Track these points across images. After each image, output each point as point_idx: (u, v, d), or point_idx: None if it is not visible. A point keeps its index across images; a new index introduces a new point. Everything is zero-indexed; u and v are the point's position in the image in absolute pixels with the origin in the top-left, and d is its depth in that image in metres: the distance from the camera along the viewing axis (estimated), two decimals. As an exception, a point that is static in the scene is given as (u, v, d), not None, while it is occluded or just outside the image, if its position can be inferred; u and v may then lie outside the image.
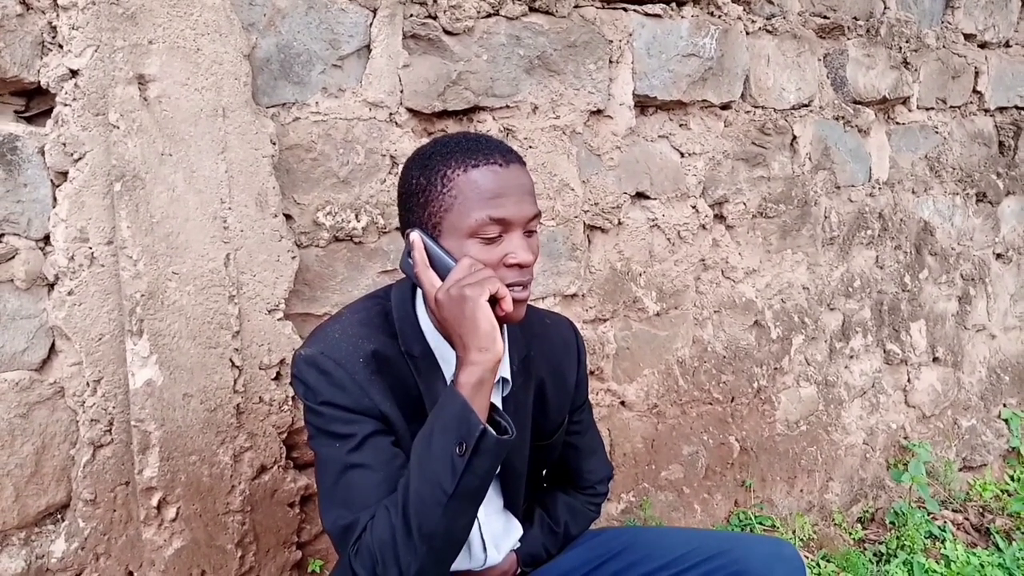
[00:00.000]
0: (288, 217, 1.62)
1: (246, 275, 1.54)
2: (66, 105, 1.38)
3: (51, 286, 1.42)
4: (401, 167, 1.24)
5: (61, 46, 1.38)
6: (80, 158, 1.39)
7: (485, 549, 1.33)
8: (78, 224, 1.40)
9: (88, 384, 1.44)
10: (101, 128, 1.39)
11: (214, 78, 1.47)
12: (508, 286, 1.13)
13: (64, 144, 1.38)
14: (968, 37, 2.82)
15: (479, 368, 1.09)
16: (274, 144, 1.56)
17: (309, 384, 1.16)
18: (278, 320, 1.59)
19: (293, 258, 1.60)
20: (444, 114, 1.80)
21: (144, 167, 1.40)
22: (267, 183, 1.55)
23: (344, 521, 1.11)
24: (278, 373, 1.61)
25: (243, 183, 1.52)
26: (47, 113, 1.41)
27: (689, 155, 2.18)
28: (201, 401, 1.49)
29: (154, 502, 1.46)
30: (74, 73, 1.37)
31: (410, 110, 1.75)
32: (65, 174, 1.40)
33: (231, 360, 1.52)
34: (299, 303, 1.67)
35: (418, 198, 1.17)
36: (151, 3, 1.39)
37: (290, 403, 1.62)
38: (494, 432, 1.08)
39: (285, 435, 1.63)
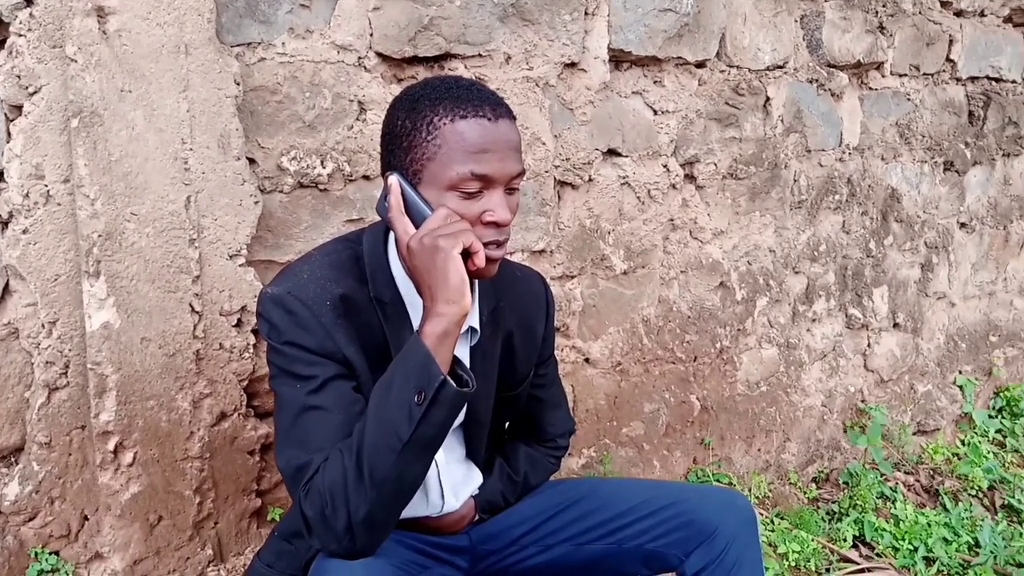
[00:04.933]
0: (251, 161, 1.59)
1: (207, 219, 1.51)
2: (20, 36, 1.32)
3: (5, 224, 1.38)
4: (388, 105, 1.21)
5: (14, -28, 1.32)
6: (35, 92, 1.34)
7: (443, 496, 1.34)
8: (33, 160, 1.35)
9: (43, 326, 1.41)
10: (58, 61, 1.34)
11: (176, 13, 1.42)
12: (484, 244, 1.12)
13: (19, 76, 1.33)
14: (944, 4, 2.81)
15: (445, 320, 1.08)
16: (238, 84, 1.52)
17: (274, 323, 1.15)
18: (240, 266, 1.57)
19: (256, 203, 1.58)
20: (414, 60, 1.76)
21: (103, 103, 1.36)
22: (230, 124, 1.51)
23: (298, 461, 1.10)
24: (239, 320, 1.59)
25: (205, 124, 1.48)
26: (0, 44, 1.36)
27: (662, 113, 2.17)
28: (160, 346, 1.47)
29: (111, 446, 1.44)
30: (29, 2, 1.32)
31: (379, 55, 1.71)
32: (20, 108, 1.35)
33: (191, 305, 1.50)
34: (262, 249, 1.64)
35: (401, 141, 1.15)
36: (109, -69, 1.34)
37: (251, 351, 1.61)
38: (454, 384, 1.07)
39: (246, 383, 1.62)
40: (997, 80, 3.07)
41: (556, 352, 1.74)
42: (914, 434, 3.05)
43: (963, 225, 3.11)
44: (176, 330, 1.48)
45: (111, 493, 1.46)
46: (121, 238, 1.40)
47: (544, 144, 1.96)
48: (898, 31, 2.65)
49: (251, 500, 1.65)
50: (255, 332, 1.61)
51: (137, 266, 1.42)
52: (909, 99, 2.78)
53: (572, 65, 1.98)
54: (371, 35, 1.69)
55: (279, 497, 1.72)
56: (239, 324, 1.58)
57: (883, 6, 2.57)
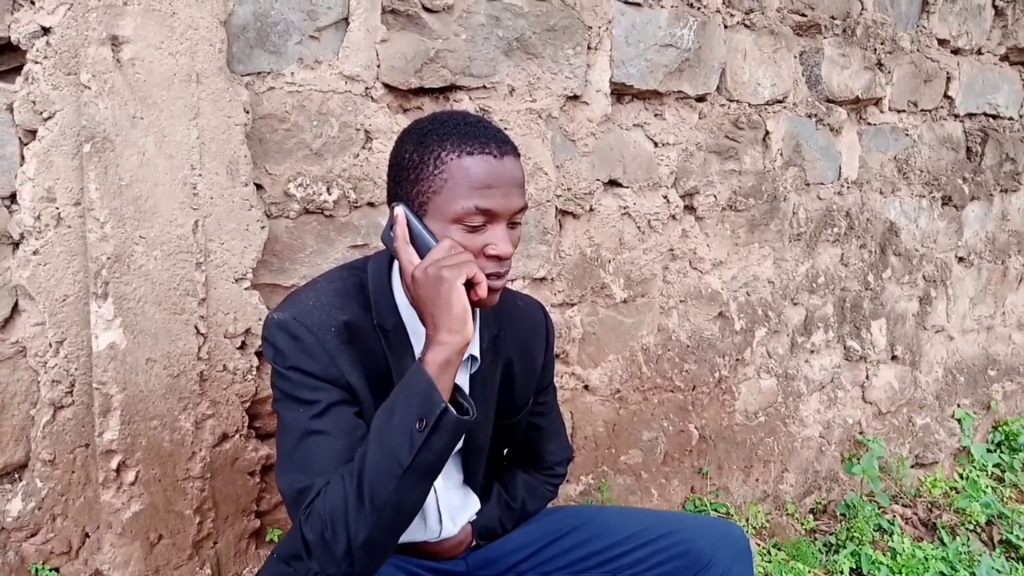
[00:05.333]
0: (259, 187, 1.62)
1: (214, 243, 1.54)
2: (37, 63, 1.36)
3: (16, 245, 1.41)
4: (396, 137, 1.24)
5: (33, 2, 1.36)
6: (50, 117, 1.38)
7: (441, 522, 1.36)
8: (45, 184, 1.39)
9: (51, 345, 1.43)
10: (72, 88, 1.38)
11: (189, 43, 1.46)
12: (486, 275, 1.14)
13: (34, 102, 1.37)
14: (942, 42, 2.87)
15: (447, 349, 1.10)
16: (247, 112, 1.55)
17: (279, 348, 1.17)
18: (245, 289, 1.59)
19: (262, 228, 1.60)
20: (420, 91, 1.80)
21: (115, 129, 1.39)
22: (239, 151, 1.55)
23: (299, 485, 1.12)
24: (243, 342, 1.61)
25: (214, 150, 1.51)
26: (17, 70, 1.39)
27: (663, 145, 2.21)
28: (164, 367, 1.49)
29: (113, 465, 1.46)
30: (46, 31, 1.36)
31: (386, 85, 1.75)
32: (34, 132, 1.39)
33: (196, 327, 1.52)
34: (267, 273, 1.67)
35: (408, 173, 1.18)
36: (127, -37, 1.38)
37: (254, 373, 1.63)
38: (455, 412, 1.09)
39: (248, 404, 1.64)
40: (994, 117, 3.11)
41: (556, 379, 1.76)
42: (912, 467, 3.05)
43: (961, 259, 3.14)
44: (181, 351, 1.50)
45: (113, 511, 1.47)
46: (129, 260, 1.43)
47: (546, 174, 2.00)
48: (896, 68, 2.70)
49: (250, 521, 1.67)
50: (258, 354, 1.63)
51: (144, 288, 1.45)
52: (907, 135, 2.83)
53: (575, 98, 2.02)
54: (378, 66, 1.73)
55: (278, 518, 1.73)
56: (243, 346, 1.61)
57: (881, 43, 2.62)
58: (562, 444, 1.59)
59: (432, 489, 1.30)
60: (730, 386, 2.50)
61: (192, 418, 1.53)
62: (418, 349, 1.24)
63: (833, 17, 2.49)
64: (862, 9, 2.58)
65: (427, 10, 1.76)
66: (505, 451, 1.53)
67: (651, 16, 2.09)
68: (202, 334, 1.53)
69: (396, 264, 1.25)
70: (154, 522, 1.51)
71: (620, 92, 2.11)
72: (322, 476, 1.12)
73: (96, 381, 1.43)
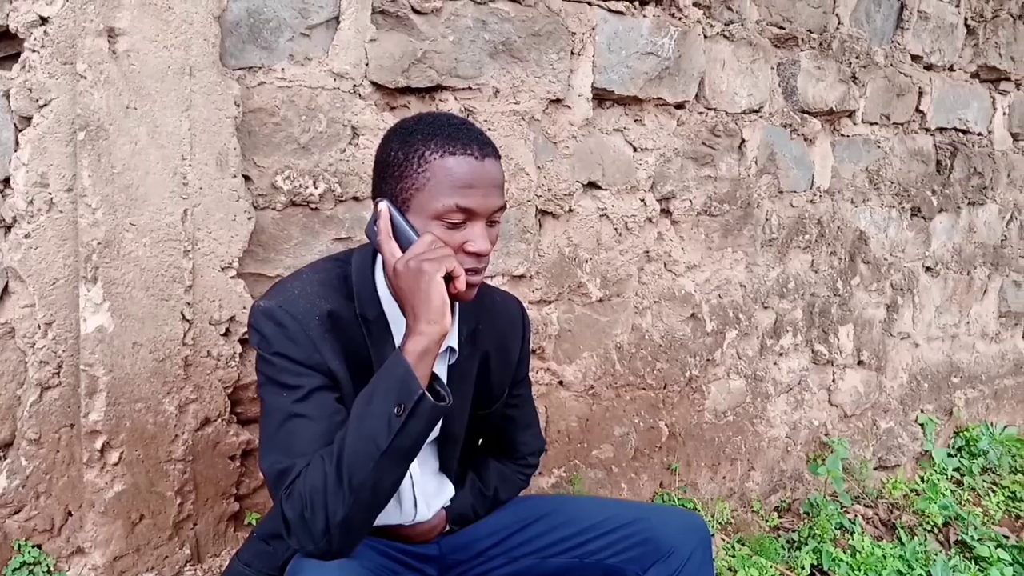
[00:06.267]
0: (247, 179, 1.66)
1: (202, 232, 1.58)
2: (34, 51, 1.40)
3: (8, 228, 1.45)
4: (383, 135, 1.29)
5: (32, -8, 1.40)
6: (45, 104, 1.41)
7: (416, 506, 1.41)
8: (39, 169, 1.42)
9: (40, 327, 1.47)
10: (68, 77, 1.42)
11: (183, 37, 1.50)
12: (465, 270, 1.20)
13: (30, 90, 1.40)
14: (915, 58, 2.96)
15: (426, 338, 1.16)
16: (238, 106, 1.60)
17: (265, 334, 1.22)
18: (231, 278, 1.64)
19: (249, 219, 1.65)
20: (407, 90, 1.85)
21: (109, 118, 1.43)
22: (228, 143, 1.59)
23: (281, 465, 1.17)
24: (227, 330, 1.65)
25: (205, 142, 1.56)
26: (14, 58, 1.43)
27: (641, 150, 2.27)
28: (150, 351, 1.53)
29: (98, 445, 1.50)
30: (44, 20, 1.40)
31: (374, 83, 1.80)
32: (29, 119, 1.42)
33: (182, 313, 1.56)
34: (252, 263, 1.71)
35: (393, 170, 1.23)
36: (125, -42, 1.42)
37: (237, 359, 1.67)
38: (432, 398, 1.15)
39: (231, 390, 1.68)
40: (964, 132, 3.21)
41: (531, 374, 1.82)
42: (875, 469, 3.14)
43: (928, 269, 3.24)
44: (167, 336, 1.55)
45: (96, 491, 1.51)
46: (119, 246, 1.47)
47: (528, 175, 2.05)
48: (870, 82, 2.78)
49: (230, 504, 1.71)
50: (242, 342, 1.67)
51: (133, 274, 1.49)
52: (879, 146, 2.91)
53: (557, 101, 2.08)
54: (367, 65, 1.78)
55: (257, 502, 1.78)
56: (227, 333, 1.65)
57: (856, 58, 2.71)
58: (535, 435, 1.65)
59: (408, 475, 1.36)
60: (700, 385, 2.57)
61: (176, 402, 1.58)
62: (398, 339, 1.29)
63: (810, 31, 2.57)
64: (838, 24, 2.66)
65: (416, 12, 1.81)
66: (480, 441, 1.59)
67: (633, 24, 2.16)
68: (188, 320, 1.57)
69: (379, 257, 1.30)
70: (136, 502, 1.56)
71: (601, 97, 2.18)
72: (303, 458, 1.18)
73: (83, 363, 1.47)
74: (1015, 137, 3.41)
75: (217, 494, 1.69)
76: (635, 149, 2.26)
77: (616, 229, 2.27)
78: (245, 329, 1.64)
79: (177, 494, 1.60)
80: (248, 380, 1.70)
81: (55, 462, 1.53)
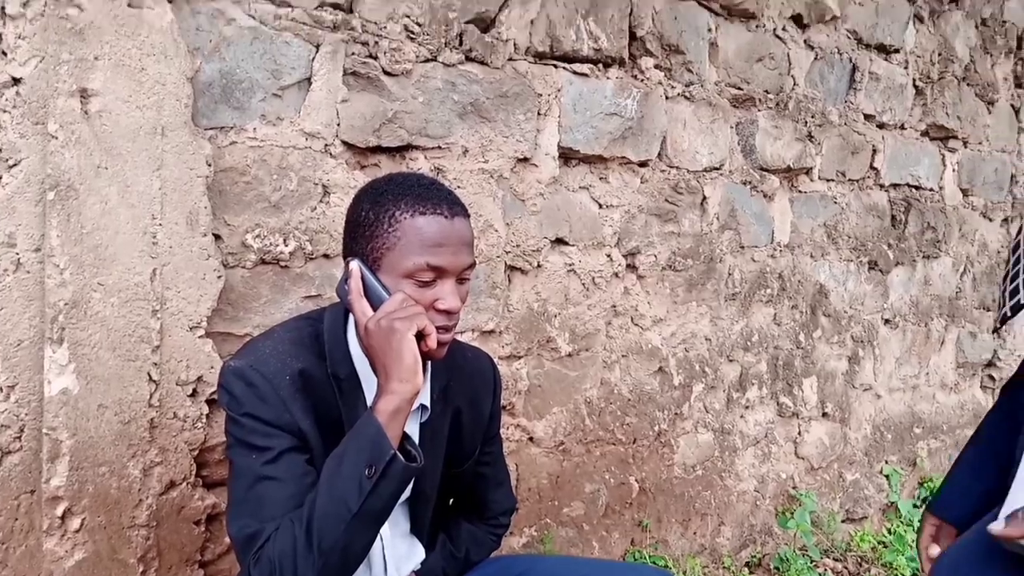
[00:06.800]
0: (217, 237, 1.66)
1: (171, 291, 1.57)
2: (5, 112, 1.40)
3: (-30, 288, 1.42)
4: (353, 195, 1.31)
5: (5, 53, 1.40)
6: (15, 164, 1.41)
7: (387, 570, 1.39)
8: (7, 229, 1.41)
9: (1, 389, 1.43)
10: (39, 137, 1.42)
11: (156, 97, 1.52)
12: (435, 328, 1.21)
13: (0, 150, 1.40)
14: (868, 117, 3.08)
15: (397, 397, 1.16)
16: (209, 165, 1.60)
17: (235, 394, 1.21)
18: (199, 337, 1.62)
19: (219, 277, 1.64)
20: (378, 149, 1.88)
21: (79, 178, 1.43)
22: (199, 202, 1.59)
23: (250, 530, 1.15)
24: (194, 390, 1.63)
25: (176, 201, 1.56)
26: (-17, 117, 1.43)
27: (607, 207, 2.32)
28: (116, 413, 1.50)
29: (59, 512, 1.45)
30: (16, 81, 1.40)
31: (345, 143, 1.82)
32: (-3, 179, 1.42)
33: (149, 374, 1.54)
34: (221, 322, 1.70)
35: (364, 230, 1.24)
36: (100, 21, 1.44)
37: (204, 421, 1.65)
38: (403, 459, 1.15)
39: (197, 452, 1.65)
40: (917, 188, 3.33)
41: (502, 430, 1.81)
42: (843, 521, 3.16)
43: (887, 321, 3.32)
44: (133, 398, 1.52)
45: (55, 559, 1.46)
46: (87, 307, 1.45)
47: (497, 231, 2.08)
48: (825, 140, 2.89)
49: (194, 571, 1.66)
50: (209, 402, 1.65)
51: (100, 334, 1.47)
52: (836, 202, 3.01)
53: (525, 160, 2.12)
54: (338, 125, 1.80)
55: (222, 568, 1.73)
56: (194, 394, 1.63)
57: (812, 117, 2.81)
58: (506, 494, 1.64)
59: (379, 537, 1.34)
60: (669, 440, 2.58)
61: (141, 465, 1.54)
62: (370, 398, 1.29)
63: (767, 91, 2.67)
64: (794, 85, 2.77)
65: (387, 74, 1.84)
66: (451, 501, 1.57)
67: (597, 86, 2.23)
68: (154, 381, 1.55)
69: (351, 316, 1.31)
70: (97, 571, 1.50)
71: (567, 156, 2.23)
72: (272, 521, 1.16)
73: (46, 426, 1.43)
74: (965, 192, 3.55)
75: (181, 560, 1.64)
76: (601, 206, 2.31)
77: (583, 284, 2.30)
78: (213, 389, 1.62)
79: (140, 561, 1.55)
80: (215, 442, 1.67)
81: (12, 531, 1.48)
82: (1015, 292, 1.20)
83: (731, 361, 2.73)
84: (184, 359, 1.60)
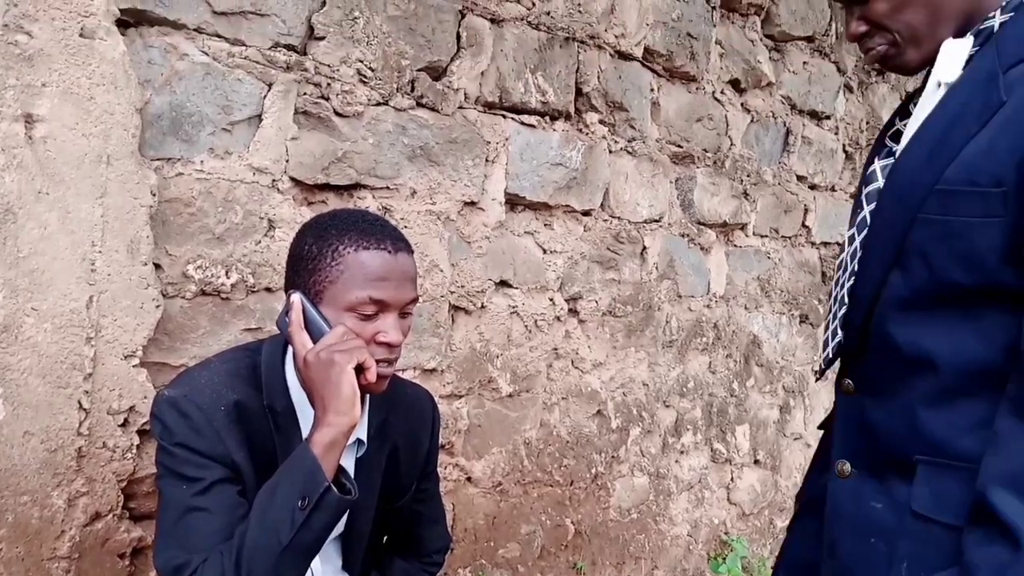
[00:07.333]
0: (158, 267, 1.66)
1: (107, 319, 1.55)
2: (-54, 133, 1.39)
3: None
4: (297, 229, 1.32)
5: (-50, 76, 1.40)
6: (-48, 186, 1.39)
7: (317, 605, 1.38)
8: (-61, 250, 1.39)
9: (-79, 413, 1.40)
10: (-21, 160, 1.41)
11: (103, 126, 1.52)
12: (376, 361, 1.22)
13: (-62, 170, 1.39)
14: (800, 178, 3.23)
15: (334, 430, 1.16)
16: (154, 195, 1.61)
17: (167, 424, 1.20)
18: (133, 366, 1.60)
19: (157, 307, 1.63)
20: (326, 187, 1.91)
21: (19, 202, 1.42)
22: (141, 231, 1.59)
23: (177, 561, 1.14)
24: (125, 420, 1.61)
25: (117, 229, 1.55)
26: (-77, 138, 1.41)
27: (551, 252, 2.38)
28: (42, 440, 1.47)
29: (-26, 542, 1.41)
30: (-41, 103, 1.39)
31: (293, 179, 1.85)
32: (-68, 199, 1.40)
33: (79, 402, 1.52)
34: (157, 352, 1.68)
35: (307, 264, 1.26)
36: (51, 49, 1.44)
37: (134, 451, 1.62)
38: (337, 492, 1.15)
39: (125, 484, 1.61)
40: (845, 246, 3.48)
41: (439, 469, 1.82)
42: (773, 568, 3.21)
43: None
44: (61, 426, 1.49)
45: (-33, 592, 1.41)
46: (18, 331, 1.43)
47: (442, 271, 2.12)
48: (760, 198, 3.02)
49: (114, 607, 1.62)
50: (140, 433, 1.62)
51: (30, 360, 1.45)
52: (769, 257, 3.13)
53: (471, 204, 2.17)
54: (287, 161, 1.83)
55: (144, 605, 1.69)
56: (125, 424, 1.60)
57: (748, 176, 2.94)
58: (441, 532, 1.64)
59: (310, 572, 1.33)
60: (606, 482, 2.61)
61: (65, 495, 1.50)
62: (306, 432, 1.29)
63: (705, 150, 2.79)
64: (731, 145, 2.89)
65: (338, 115, 1.88)
66: (384, 538, 1.57)
67: (544, 137, 2.30)
68: (85, 409, 1.52)
69: (290, 348, 1.31)
70: (11, 604, 1.46)
71: (513, 202, 2.29)
72: (200, 553, 1.15)
73: (-33, 453, 1.40)
74: (890, 253, 3.72)
75: (102, 596, 1.59)
76: (545, 251, 2.37)
77: (526, 326, 2.34)
78: (145, 420, 1.60)
79: (58, 596, 1.51)
80: (144, 473, 1.64)
81: (-77, 561, 1.42)
82: (826, 344, 1.21)
83: (667, 407, 2.79)
84: (117, 388, 1.58)
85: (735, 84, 2.87)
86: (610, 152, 2.48)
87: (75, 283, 1.50)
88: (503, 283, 2.29)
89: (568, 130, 2.36)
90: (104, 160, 1.52)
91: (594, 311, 2.51)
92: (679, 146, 2.70)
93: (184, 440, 1.20)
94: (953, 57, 1.04)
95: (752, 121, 2.96)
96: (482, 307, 2.24)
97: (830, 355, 1.20)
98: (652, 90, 2.59)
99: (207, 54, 1.69)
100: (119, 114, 1.54)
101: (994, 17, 1.04)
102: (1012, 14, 1.02)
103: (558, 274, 2.40)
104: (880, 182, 1.12)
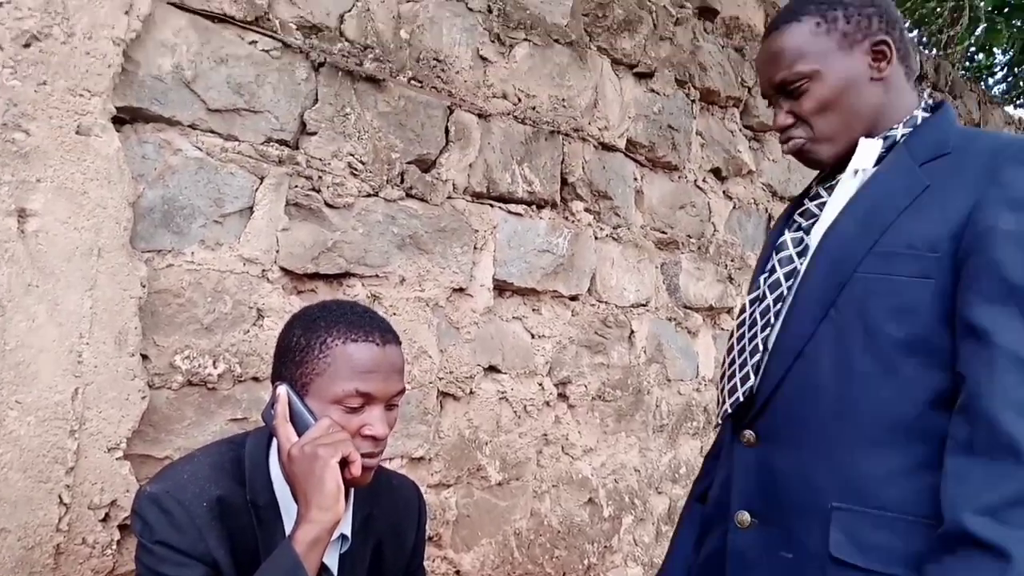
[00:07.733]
0: (145, 357, 1.65)
1: (92, 411, 1.54)
2: (-61, 228, 1.41)
3: None
4: (286, 321, 1.33)
5: (-53, 173, 1.43)
6: (-57, 280, 1.40)
7: None
8: (-75, 344, 1.39)
9: None
10: (-29, 254, 1.42)
11: (95, 220, 1.55)
12: (361, 454, 1.20)
13: (-71, 265, 1.40)
14: (784, 262, 3.28)
15: (317, 527, 1.14)
16: (144, 287, 1.62)
17: (148, 521, 1.18)
18: (116, 459, 1.58)
19: (143, 398, 1.62)
20: (316, 276, 1.93)
21: (8, 295, 1.43)
22: (130, 323, 1.59)
23: (156, 664, 1.10)
24: (107, 515, 1.57)
25: (106, 320, 1.56)
26: (-84, 233, 1.43)
27: (539, 337, 2.39)
28: (19, 538, 1.43)
29: (-58, 647, 1.36)
30: (-46, 199, 1.42)
31: (283, 268, 1.87)
32: (-78, 293, 1.41)
33: (60, 496, 1.49)
34: (141, 444, 1.66)
35: (294, 355, 1.26)
36: (47, 146, 1.48)
37: (114, 547, 1.58)
38: None
39: (103, 582, 1.57)
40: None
41: (427, 563, 1.78)
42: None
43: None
44: (39, 522, 1.46)
45: None
46: (1, 425, 1.41)
47: (430, 357, 2.12)
48: (745, 282, 3.06)
49: None
50: (121, 527, 1.59)
51: (12, 454, 1.43)
52: (757, 339, 3.15)
53: (460, 290, 2.20)
54: (277, 251, 1.85)
55: None
56: (106, 519, 1.57)
57: (731, 260, 2.99)
58: (427, 629, 1.60)
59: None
60: (599, 574, 2.55)
61: (40, 595, 1.46)
62: (289, 526, 1.27)
63: (690, 236, 2.84)
64: (714, 231, 2.95)
65: (329, 206, 1.92)
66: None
67: (531, 225, 2.35)
68: (65, 504, 1.49)
69: (275, 441, 1.30)
70: None
71: (502, 288, 2.31)
72: (179, 655, 1.11)
73: (-59, 552, 1.36)
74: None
75: None
76: (533, 336, 2.38)
77: (515, 412, 2.33)
78: (126, 514, 1.56)
79: None
80: (124, 570, 1.59)
81: None
82: (733, 390, 1.24)
83: (660, 493, 2.75)
84: (99, 481, 1.55)
85: (716, 172, 2.95)
86: (596, 239, 2.52)
87: (61, 375, 1.49)
88: (492, 368, 2.29)
89: (554, 218, 2.41)
90: (95, 253, 1.54)
91: (583, 396, 2.50)
92: (663, 232, 2.75)
93: (164, 538, 1.17)
94: (868, 152, 1.20)
95: (734, 208, 3.03)
96: (471, 393, 2.23)
97: (740, 398, 1.23)
98: (635, 179, 2.66)
99: (200, 149, 1.74)
100: (111, 208, 1.57)
101: (896, 129, 1.20)
102: (911, 130, 1.20)
103: (547, 359, 2.40)
104: (791, 250, 1.23)
